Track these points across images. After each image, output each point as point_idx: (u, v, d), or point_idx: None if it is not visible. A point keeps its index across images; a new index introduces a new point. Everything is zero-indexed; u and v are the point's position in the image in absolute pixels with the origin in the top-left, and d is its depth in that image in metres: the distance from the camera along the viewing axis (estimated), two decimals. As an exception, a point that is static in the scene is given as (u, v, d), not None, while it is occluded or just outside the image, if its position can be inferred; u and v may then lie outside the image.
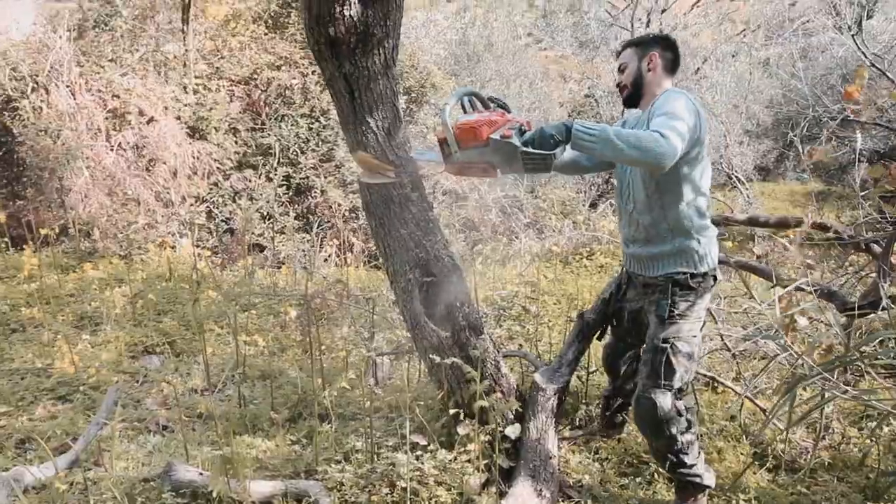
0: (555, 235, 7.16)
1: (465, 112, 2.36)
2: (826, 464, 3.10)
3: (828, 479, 2.98)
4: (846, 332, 2.99)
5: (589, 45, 16.05)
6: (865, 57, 10.06)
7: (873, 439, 3.17)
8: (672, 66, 2.50)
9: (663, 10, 16.75)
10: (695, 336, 2.45)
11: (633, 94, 2.53)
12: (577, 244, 6.74)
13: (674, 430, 2.47)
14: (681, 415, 2.48)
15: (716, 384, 3.64)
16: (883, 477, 2.94)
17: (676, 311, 2.42)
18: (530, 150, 2.08)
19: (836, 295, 3.10)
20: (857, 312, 2.80)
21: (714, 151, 13.02)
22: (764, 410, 3.33)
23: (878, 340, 2.64)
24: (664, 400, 2.45)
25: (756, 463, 3.11)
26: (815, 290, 2.98)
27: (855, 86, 2.83)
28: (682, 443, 2.49)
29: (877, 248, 3.35)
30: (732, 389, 3.35)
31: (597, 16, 15.71)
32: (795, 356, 2.28)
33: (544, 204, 7.95)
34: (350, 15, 2.29)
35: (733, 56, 15.38)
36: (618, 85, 2.59)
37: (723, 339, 3.49)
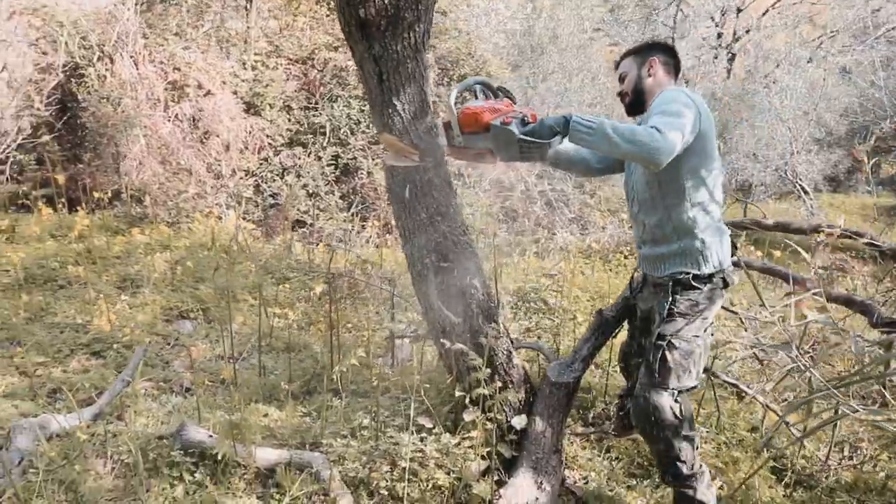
0: (597, 232, 7.07)
1: (475, 99, 2.38)
2: (847, 485, 3.00)
3: (846, 500, 2.88)
4: (879, 347, 2.87)
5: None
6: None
7: (899, 464, 3.04)
8: (673, 70, 2.50)
9: (739, 10, 16.26)
10: (697, 336, 2.38)
11: (635, 102, 2.51)
12: (619, 242, 6.63)
13: (669, 434, 2.42)
14: (677, 418, 2.41)
15: (742, 393, 3.55)
16: (904, 504, 2.83)
17: (676, 310, 2.38)
18: (527, 137, 2.10)
19: (870, 308, 2.97)
20: (880, 328, 2.68)
21: (778, 158, 12.59)
22: (787, 423, 3.23)
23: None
24: (659, 400, 2.40)
25: (774, 477, 3.04)
26: (846, 302, 2.87)
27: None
28: (678, 448, 2.43)
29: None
30: (755, 399, 3.26)
31: (667, 11, 15.35)
32: (804, 368, 2.19)
33: (591, 199, 7.85)
34: (381, -3, 2.30)
35: (808, 61, 14.81)
36: (619, 94, 2.58)
37: (753, 348, 3.39)
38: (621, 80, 2.56)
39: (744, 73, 14.24)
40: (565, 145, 2.56)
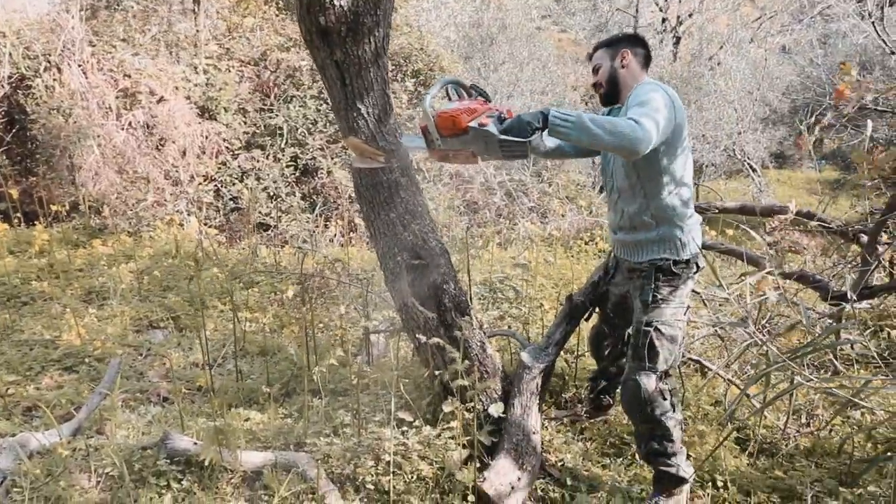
0: (557, 220, 7.22)
1: (449, 100, 2.42)
2: (806, 450, 3.19)
3: (805, 465, 3.06)
4: (830, 320, 3.05)
5: (602, 28, 15.96)
6: (886, 45, 9.96)
7: (853, 427, 3.24)
8: (645, 60, 2.57)
9: (681, -6, 16.63)
10: (678, 320, 2.52)
11: (610, 92, 2.59)
12: (578, 229, 6.80)
13: (657, 413, 2.55)
14: (664, 398, 2.55)
15: (705, 370, 3.71)
16: (858, 464, 3.01)
17: (660, 296, 2.49)
18: (507, 137, 2.14)
19: (821, 284, 3.15)
20: (831, 301, 2.85)
21: (726, 138, 12.97)
22: (748, 396, 3.40)
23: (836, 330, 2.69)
24: (648, 382, 2.53)
25: (738, 447, 3.20)
26: (798, 278, 3.04)
27: (844, 83, 2.85)
28: (665, 427, 2.56)
29: (865, 238, 3.39)
30: (718, 374, 3.42)
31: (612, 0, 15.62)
32: (760, 343, 2.34)
33: (549, 188, 8.00)
34: (340, 4, 2.35)
35: (750, 42, 15.25)
36: (593, 85, 2.65)
37: (713, 326, 3.56)
38: (595, 71, 2.63)
39: (689, 57, 14.58)
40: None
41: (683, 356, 3.62)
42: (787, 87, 15.38)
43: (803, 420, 3.41)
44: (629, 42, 2.57)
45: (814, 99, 14.30)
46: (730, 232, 5.79)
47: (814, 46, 15.94)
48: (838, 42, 16.36)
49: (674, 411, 2.59)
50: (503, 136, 2.14)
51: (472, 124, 2.17)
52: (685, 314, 2.58)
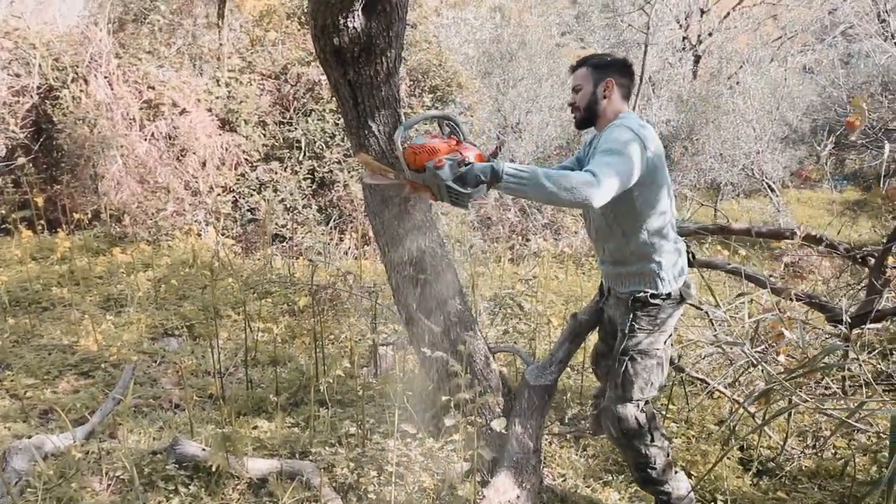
0: (570, 237, 7.26)
1: (442, 132, 2.41)
2: (809, 471, 3.19)
3: (808, 487, 3.06)
4: (845, 344, 3.05)
5: (622, 45, 16.01)
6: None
7: (855, 449, 3.23)
8: (627, 91, 2.49)
9: (703, 12, 16.64)
10: (657, 349, 2.51)
11: (586, 119, 2.49)
12: (591, 246, 6.82)
13: (635, 442, 2.56)
14: (640, 426, 2.55)
15: (711, 389, 3.72)
16: (861, 486, 3.01)
17: (637, 326, 2.48)
18: (453, 185, 2.08)
19: (827, 307, 3.16)
20: (844, 325, 2.87)
21: (744, 157, 12.92)
22: (753, 416, 3.41)
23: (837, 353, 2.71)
24: (624, 411, 2.54)
25: (741, 468, 3.21)
26: (806, 301, 3.05)
27: (854, 115, 2.87)
28: (646, 455, 2.56)
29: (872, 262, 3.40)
30: (720, 391, 3.44)
31: (630, 17, 15.66)
32: (756, 362, 2.37)
33: (564, 205, 8.03)
34: (354, 26, 2.43)
35: (770, 61, 15.21)
36: (570, 104, 2.54)
37: (713, 344, 3.58)
38: (575, 90, 2.52)
39: (708, 76, 14.58)
40: None
41: (686, 374, 3.64)
42: (808, 107, 15.27)
43: (808, 441, 3.41)
44: (617, 70, 2.46)
45: (834, 119, 14.20)
46: (742, 252, 5.80)
47: (835, 66, 15.85)
48: (860, 62, 16.25)
49: (652, 440, 2.56)
50: (449, 184, 2.08)
51: (429, 164, 2.13)
52: (666, 343, 2.55)
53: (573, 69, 2.55)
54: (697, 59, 16.26)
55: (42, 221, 5.96)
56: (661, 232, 2.43)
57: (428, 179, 2.14)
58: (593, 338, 3.23)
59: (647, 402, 2.60)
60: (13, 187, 6.26)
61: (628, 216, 2.38)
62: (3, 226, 6.15)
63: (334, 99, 8.04)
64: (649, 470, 2.59)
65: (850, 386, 3.58)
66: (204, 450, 2.80)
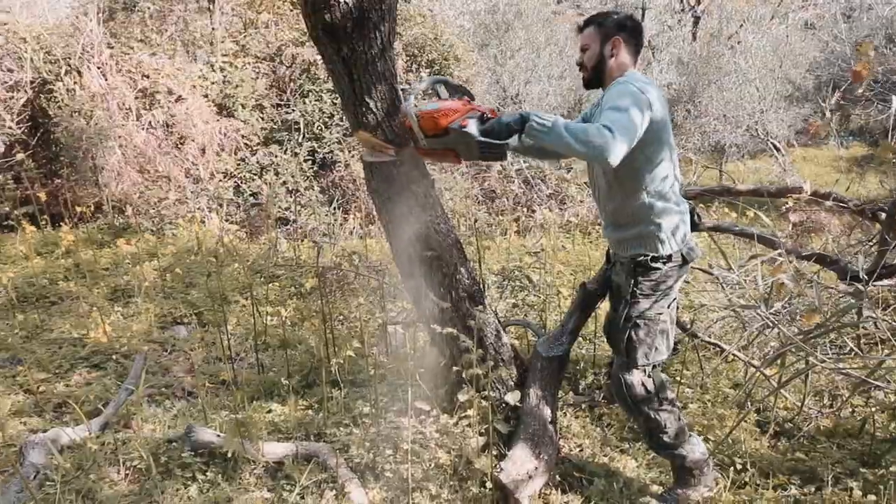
0: (576, 206, 7.20)
1: (439, 98, 2.40)
2: (827, 431, 3.17)
3: (827, 446, 3.05)
4: (858, 301, 3.01)
5: (619, 10, 15.77)
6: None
7: (873, 407, 3.21)
8: (636, 50, 2.47)
9: (699, -28, 16.35)
10: (660, 314, 2.49)
11: (594, 78, 2.49)
12: (597, 214, 6.76)
13: (645, 408, 2.55)
14: (649, 393, 2.54)
15: (725, 353, 3.69)
16: (881, 444, 2.99)
17: (639, 291, 2.46)
18: (485, 139, 2.11)
19: (838, 264, 3.11)
20: (848, 281, 2.82)
21: (748, 118, 12.76)
22: (768, 378, 3.38)
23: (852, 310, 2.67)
24: (630, 378, 2.54)
25: (758, 430, 3.20)
26: (816, 259, 3.01)
27: (861, 63, 2.78)
28: (657, 421, 2.55)
29: (883, 217, 3.34)
30: (735, 355, 3.41)
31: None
32: (773, 325, 2.33)
33: (568, 174, 7.96)
34: (345, 1, 2.37)
35: (771, 19, 14.95)
36: (578, 64, 2.52)
37: (726, 308, 3.55)
38: (582, 50, 2.50)
39: (708, 36, 14.36)
40: None
41: (700, 339, 3.61)
42: (811, 64, 15.05)
43: (826, 401, 3.39)
44: (624, 29, 2.43)
45: (838, 74, 14.00)
46: (750, 214, 5.73)
47: (837, 21, 15.60)
48: (863, 15, 15.99)
49: (661, 405, 2.55)
50: (482, 138, 2.12)
51: (453, 125, 2.15)
52: (670, 307, 2.53)
53: (580, 29, 2.54)
54: (697, 21, 16.03)
55: (45, 216, 5.94)
56: (661, 193, 2.40)
57: (452, 140, 2.18)
58: (605, 307, 3.21)
59: (654, 368, 2.58)
60: (14, 183, 6.23)
61: (629, 175, 2.37)
62: (7, 222, 6.13)
63: (331, 78, 7.99)
64: (661, 435, 2.58)
65: (864, 344, 3.55)
66: (219, 436, 2.80)
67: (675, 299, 2.56)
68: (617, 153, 2.06)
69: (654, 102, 2.25)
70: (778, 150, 13.69)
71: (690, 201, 2.65)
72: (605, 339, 3.27)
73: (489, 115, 2.20)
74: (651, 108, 2.23)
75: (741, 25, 14.20)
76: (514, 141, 2.19)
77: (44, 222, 5.93)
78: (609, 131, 2.05)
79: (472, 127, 2.12)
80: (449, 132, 2.17)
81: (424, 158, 2.51)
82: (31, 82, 6.65)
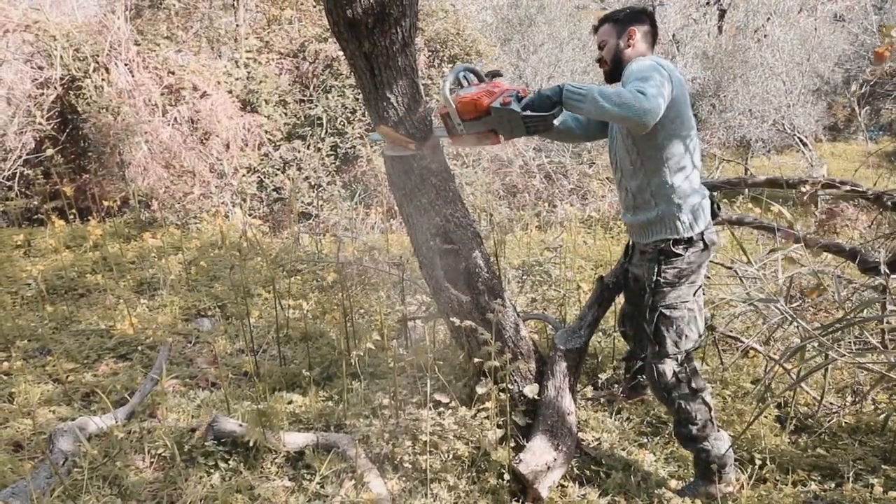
0: (597, 201, 7.17)
1: (462, 87, 2.46)
2: (850, 427, 3.14)
3: (848, 442, 3.01)
4: (881, 295, 2.97)
5: (643, 4, 15.62)
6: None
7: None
8: (652, 38, 2.54)
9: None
10: (685, 302, 2.50)
11: (614, 70, 2.56)
12: (618, 209, 6.73)
13: (675, 396, 2.55)
14: (680, 381, 2.54)
15: (747, 348, 3.66)
16: (903, 440, 2.96)
17: (663, 280, 2.48)
18: (530, 113, 2.19)
19: (859, 255, 3.07)
20: (882, 275, 2.78)
21: (775, 112, 12.58)
22: (789, 373, 3.35)
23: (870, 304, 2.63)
24: (662, 367, 2.55)
25: (778, 426, 3.17)
26: (837, 251, 2.98)
27: (884, 45, 2.73)
28: (687, 411, 2.55)
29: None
30: (754, 349, 3.39)
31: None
32: (791, 319, 2.31)
33: (590, 169, 7.93)
34: (367, -4, 2.40)
35: (799, 11, 14.71)
36: (598, 60, 2.62)
37: (745, 302, 3.52)
38: (600, 47, 2.60)
39: (734, 30, 14.17)
40: None
41: (720, 334, 3.59)
42: (840, 57, 14.78)
43: (848, 397, 3.35)
44: (637, 20, 2.52)
45: (868, 67, 13.74)
46: (774, 208, 5.66)
47: (868, 13, 15.29)
48: (894, 7, 15.66)
49: (694, 395, 2.56)
50: (526, 113, 2.19)
51: (495, 105, 2.23)
52: (696, 294, 2.53)
53: (595, 29, 2.63)
54: (722, 14, 15.80)
55: (73, 210, 6.07)
56: (683, 172, 2.43)
57: (494, 120, 2.26)
58: (622, 300, 3.21)
59: (687, 356, 2.57)
60: (43, 178, 6.37)
61: (651, 154, 2.40)
62: (37, 216, 6.28)
63: (352, 74, 8.05)
64: (691, 426, 2.58)
65: (889, 339, 3.50)
66: (241, 426, 2.85)
67: (700, 286, 2.56)
68: (653, 112, 2.10)
69: (674, 74, 2.29)
70: (805, 144, 13.49)
71: (713, 193, 2.65)
72: (621, 333, 3.29)
73: (521, 94, 2.27)
74: (671, 80, 2.26)
75: (768, 18, 13.98)
76: (557, 111, 2.24)
77: (72, 216, 6.06)
78: (642, 94, 2.09)
79: (515, 104, 2.20)
80: (491, 112, 2.25)
81: (457, 145, 2.56)
82: (61, 79, 6.79)
